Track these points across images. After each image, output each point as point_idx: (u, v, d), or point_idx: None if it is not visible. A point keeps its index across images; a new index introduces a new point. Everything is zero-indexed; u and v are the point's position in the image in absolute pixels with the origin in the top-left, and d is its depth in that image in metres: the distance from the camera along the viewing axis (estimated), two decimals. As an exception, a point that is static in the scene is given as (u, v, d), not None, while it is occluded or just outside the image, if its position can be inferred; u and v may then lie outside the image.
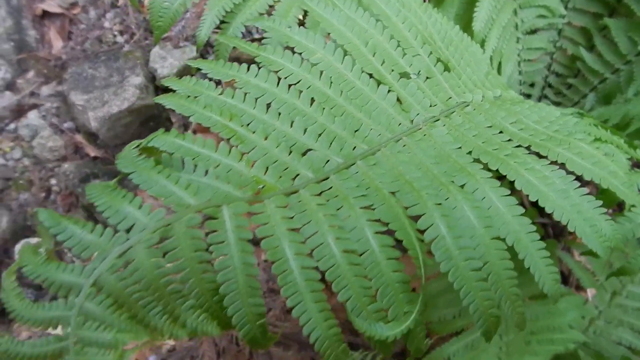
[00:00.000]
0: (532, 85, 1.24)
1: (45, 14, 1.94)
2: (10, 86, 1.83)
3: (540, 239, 1.06)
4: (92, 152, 1.64)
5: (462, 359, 1.02)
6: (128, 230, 0.46)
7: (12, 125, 1.75)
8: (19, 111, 1.78)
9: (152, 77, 1.66)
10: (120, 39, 1.81)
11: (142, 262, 0.45)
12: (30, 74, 1.86)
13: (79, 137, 1.67)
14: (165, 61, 1.66)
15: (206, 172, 0.51)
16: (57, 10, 1.96)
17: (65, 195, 1.64)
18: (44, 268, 0.45)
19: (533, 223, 0.59)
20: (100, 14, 1.92)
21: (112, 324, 0.44)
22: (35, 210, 0.45)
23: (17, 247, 1.58)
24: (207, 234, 0.47)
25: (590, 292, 1.14)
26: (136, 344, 0.45)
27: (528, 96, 1.23)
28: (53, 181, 1.66)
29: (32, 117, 1.76)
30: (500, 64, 1.11)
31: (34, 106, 1.79)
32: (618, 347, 1.08)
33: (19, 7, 1.95)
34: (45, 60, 1.88)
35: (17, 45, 1.88)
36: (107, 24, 1.89)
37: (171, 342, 1.53)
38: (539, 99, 1.24)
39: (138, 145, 0.51)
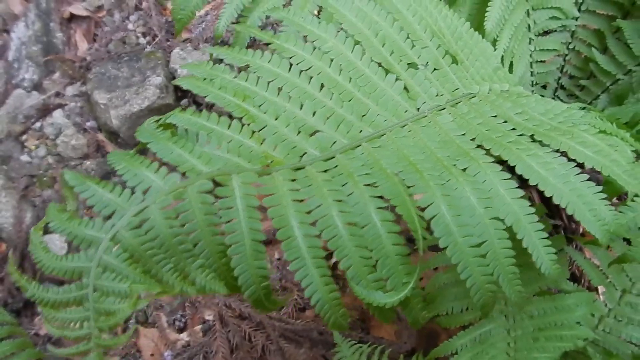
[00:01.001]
0: (544, 87, 1.25)
1: (72, 17, 2.00)
2: (37, 86, 1.89)
3: (549, 235, 1.07)
4: (112, 150, 1.68)
5: (469, 352, 1.02)
6: (145, 192, 0.50)
7: (37, 124, 1.80)
8: (45, 110, 1.84)
9: (172, 77, 1.71)
10: (142, 40, 1.86)
11: (157, 221, 0.49)
12: (56, 74, 1.92)
13: (100, 136, 1.72)
14: (185, 62, 1.70)
15: (219, 146, 0.54)
16: (84, 13, 2.01)
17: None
18: (69, 224, 0.48)
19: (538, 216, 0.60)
20: (124, 17, 1.98)
21: (127, 276, 0.47)
22: (62, 171, 0.48)
23: (40, 240, 1.63)
24: (217, 199, 0.50)
25: (602, 291, 1.14)
26: (150, 294, 0.48)
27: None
28: (75, 177, 1.70)
29: (57, 116, 1.81)
30: (511, 64, 1.12)
31: (59, 106, 1.84)
32: (628, 345, 1.08)
33: (47, 11, 2.01)
34: (71, 62, 1.93)
35: (45, 47, 1.93)
36: (130, 26, 1.94)
37: (185, 338, 1.56)
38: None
39: (157, 121, 0.55)
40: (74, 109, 1.83)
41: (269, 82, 0.61)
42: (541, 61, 1.21)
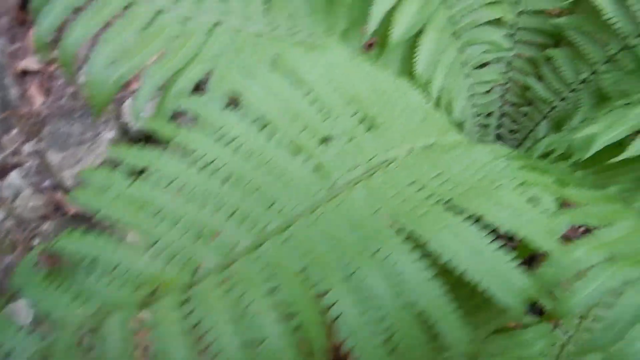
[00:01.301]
0: (489, 114, 1.25)
1: (26, 72, 1.99)
2: (-4, 145, 1.87)
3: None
4: (71, 209, 1.67)
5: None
6: (7, 356, 0.47)
7: (-4, 186, 1.78)
8: (2, 171, 1.81)
9: (125, 131, 1.69)
10: (94, 93, 1.84)
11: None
12: (14, 131, 1.90)
13: (58, 195, 1.70)
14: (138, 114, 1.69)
15: (103, 274, 0.52)
16: (36, 67, 2.00)
17: (48, 254, 1.66)
18: None
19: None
20: (75, 69, 1.96)
21: None
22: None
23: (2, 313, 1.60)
24: (93, 347, 0.48)
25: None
26: None
27: (486, 126, 1.25)
28: (36, 241, 1.69)
29: (14, 176, 1.79)
30: (450, 101, 1.12)
31: (16, 165, 1.82)
32: (592, 371, 1.08)
33: (1, 65, 1.99)
34: (27, 118, 1.92)
35: (2, 103, 1.91)
36: (82, 78, 1.92)
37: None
38: (497, 127, 1.26)
39: (44, 249, 0.53)
40: (30, 168, 1.81)
41: (169, 183, 0.60)
42: (482, 93, 1.21)
